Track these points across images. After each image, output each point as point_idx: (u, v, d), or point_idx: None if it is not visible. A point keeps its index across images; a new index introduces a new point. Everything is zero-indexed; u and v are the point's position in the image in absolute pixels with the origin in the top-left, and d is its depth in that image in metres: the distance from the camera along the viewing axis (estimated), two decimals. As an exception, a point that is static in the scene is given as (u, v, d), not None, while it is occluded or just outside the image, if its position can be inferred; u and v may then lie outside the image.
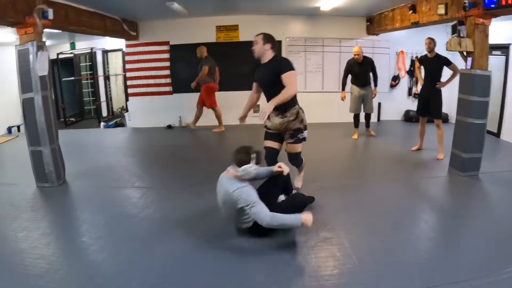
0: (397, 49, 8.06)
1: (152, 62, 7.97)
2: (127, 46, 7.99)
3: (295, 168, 4.03)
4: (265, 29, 7.65)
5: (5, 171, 5.45)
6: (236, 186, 2.91)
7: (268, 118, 3.45)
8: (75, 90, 10.33)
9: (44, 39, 4.66)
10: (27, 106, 4.52)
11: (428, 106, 5.37)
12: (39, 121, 4.49)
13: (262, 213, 2.78)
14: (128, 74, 8.20)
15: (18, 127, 8.97)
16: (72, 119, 10.19)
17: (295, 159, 3.75)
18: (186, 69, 7.92)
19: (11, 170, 5.43)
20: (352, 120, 6.79)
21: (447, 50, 4.46)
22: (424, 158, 5.41)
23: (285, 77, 3.34)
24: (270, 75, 3.46)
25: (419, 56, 6.23)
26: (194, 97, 7.62)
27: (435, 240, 3.06)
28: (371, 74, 6.50)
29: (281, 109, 3.44)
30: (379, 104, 8.10)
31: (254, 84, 3.82)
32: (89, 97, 10.42)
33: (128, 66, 8.18)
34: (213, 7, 6.79)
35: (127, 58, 8.12)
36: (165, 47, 7.92)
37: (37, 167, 4.57)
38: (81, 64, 10.26)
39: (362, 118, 6.77)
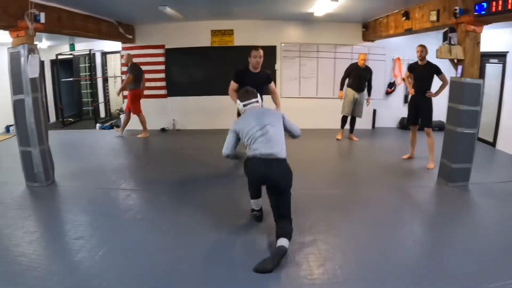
0: (393, 55, 8.06)
1: (148, 65, 7.97)
2: (123, 48, 8.03)
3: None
4: (260, 34, 7.85)
5: (-1, 169, 5.49)
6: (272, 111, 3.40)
7: None
8: (74, 91, 10.37)
9: (36, 42, 4.71)
10: (17, 107, 4.60)
11: (418, 114, 5.37)
12: (29, 122, 4.57)
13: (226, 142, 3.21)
14: (124, 77, 8.20)
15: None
16: (71, 119, 10.22)
17: None
18: (181, 73, 7.97)
19: (4, 169, 5.46)
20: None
21: (437, 57, 4.45)
22: (414, 167, 5.39)
23: (272, 85, 4.87)
24: (263, 82, 4.64)
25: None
26: (188, 100, 7.65)
27: (416, 252, 3.02)
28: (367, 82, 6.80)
29: None
30: (374, 111, 8.08)
31: (235, 85, 4.67)
32: (87, 98, 10.45)
33: (124, 68, 8.18)
34: (208, 11, 6.82)
35: (123, 60, 8.11)
36: (161, 51, 7.96)
37: (26, 167, 4.65)
38: (80, 65, 10.31)
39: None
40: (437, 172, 4.77)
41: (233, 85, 4.69)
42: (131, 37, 7.70)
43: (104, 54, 10.18)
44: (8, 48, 4.54)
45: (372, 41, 7.69)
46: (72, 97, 10.37)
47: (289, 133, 3.39)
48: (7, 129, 8.92)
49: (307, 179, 4.69)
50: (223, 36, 7.92)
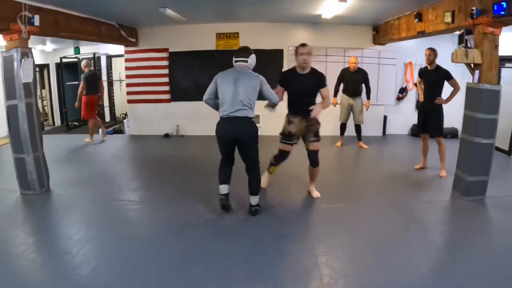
0: (405, 60, 7.74)
1: (151, 69, 7.83)
2: (126, 52, 7.88)
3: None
4: (266, 38, 7.61)
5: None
6: (253, 74, 3.60)
7: (291, 123, 3.99)
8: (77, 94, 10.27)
9: (40, 45, 4.60)
10: (11, 113, 4.46)
11: (428, 122, 5.07)
12: (22, 129, 4.43)
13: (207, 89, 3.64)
14: (127, 81, 8.08)
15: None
16: (76, 123, 10.12)
17: (317, 157, 4.06)
18: (185, 77, 7.79)
19: (1, 174, 5.33)
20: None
21: (452, 61, 4.14)
22: (426, 178, 5.06)
23: (325, 91, 3.95)
24: (311, 86, 3.91)
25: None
26: (192, 105, 7.44)
27: (426, 277, 2.71)
28: (363, 86, 6.61)
29: (305, 115, 3.86)
30: (385, 117, 7.77)
31: (280, 89, 4.04)
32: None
33: (127, 72, 8.05)
34: (213, 14, 6.61)
35: (126, 64, 8.00)
36: (164, 54, 7.78)
37: (20, 174, 4.53)
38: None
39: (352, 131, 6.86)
40: (452, 185, 4.45)
41: (278, 89, 3.98)
42: (134, 40, 7.53)
43: (109, 58, 10.08)
44: (1, 51, 4.41)
45: (383, 44, 7.38)
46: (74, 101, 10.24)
47: (268, 100, 3.71)
48: None
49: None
50: (229, 39, 7.71)
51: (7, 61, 4.35)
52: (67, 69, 9.94)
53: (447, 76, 4.79)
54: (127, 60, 7.97)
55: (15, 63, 4.30)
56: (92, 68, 7.45)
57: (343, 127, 6.86)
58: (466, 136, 4.20)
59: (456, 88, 4.76)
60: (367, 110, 6.69)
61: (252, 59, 3.67)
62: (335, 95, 6.67)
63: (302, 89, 3.87)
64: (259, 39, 7.56)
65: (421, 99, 5.20)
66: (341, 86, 6.66)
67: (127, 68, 8.02)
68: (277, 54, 7.72)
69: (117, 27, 6.68)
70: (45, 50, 9.05)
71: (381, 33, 6.99)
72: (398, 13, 5.76)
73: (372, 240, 3.25)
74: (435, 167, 5.22)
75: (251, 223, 3.58)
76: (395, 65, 7.64)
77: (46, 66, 10.31)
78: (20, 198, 4.38)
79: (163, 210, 3.99)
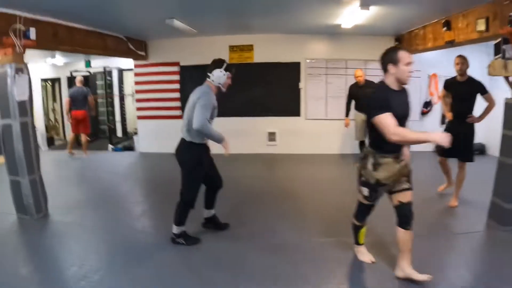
0: (429, 71, 7.20)
1: (162, 84, 7.56)
2: (136, 66, 7.64)
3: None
4: (282, 50, 7.20)
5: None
6: (203, 90, 3.21)
7: (378, 167, 2.64)
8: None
9: (49, 58, 4.36)
10: (6, 133, 4.19)
11: (456, 145, 4.17)
12: (17, 150, 4.16)
13: (202, 115, 3.06)
14: (137, 96, 7.83)
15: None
16: (87, 138, 9.93)
17: (410, 211, 2.69)
18: (196, 92, 7.44)
19: (3, 196, 5.04)
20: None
21: (489, 74, 3.69)
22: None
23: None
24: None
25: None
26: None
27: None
28: None
29: (397, 153, 2.68)
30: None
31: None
32: (104, 116, 10.15)
33: (137, 87, 7.81)
34: (225, 25, 6.28)
35: (136, 79, 7.75)
36: (175, 68, 7.49)
37: (16, 197, 4.29)
38: (97, 83, 10.06)
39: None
40: (487, 213, 3.86)
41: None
42: (143, 53, 7.27)
43: (120, 71, 9.89)
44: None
45: (406, 55, 6.85)
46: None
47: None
48: None
49: (318, 220, 4.00)
50: (242, 52, 7.37)
51: (0, 78, 4.10)
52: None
53: (482, 89, 4.07)
54: (136, 75, 7.73)
55: (8, 80, 4.04)
56: (82, 85, 7.53)
57: (362, 145, 6.33)
58: (504, 158, 3.66)
59: (491, 103, 4.09)
60: None
61: (215, 75, 3.23)
62: (346, 114, 6.29)
63: (406, 113, 2.70)
64: (274, 52, 7.22)
65: (448, 116, 4.38)
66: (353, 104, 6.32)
67: (136, 83, 7.77)
68: (294, 67, 7.34)
69: (125, 40, 6.42)
70: (56, 64, 8.92)
71: (404, 43, 6.49)
72: (423, 21, 5.28)
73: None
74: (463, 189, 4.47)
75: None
76: (419, 77, 7.10)
77: (58, 79, 10.21)
78: (16, 222, 4.14)
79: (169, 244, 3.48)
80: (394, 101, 2.55)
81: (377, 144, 2.64)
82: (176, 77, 7.54)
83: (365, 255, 3.09)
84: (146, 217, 4.37)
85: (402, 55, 2.57)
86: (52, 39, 4.61)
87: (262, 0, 4.50)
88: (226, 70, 3.24)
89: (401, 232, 2.65)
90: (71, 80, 9.65)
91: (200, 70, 7.10)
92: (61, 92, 10.14)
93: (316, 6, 4.73)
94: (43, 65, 9.28)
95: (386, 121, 2.42)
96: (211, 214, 3.74)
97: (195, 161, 3.27)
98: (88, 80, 9.55)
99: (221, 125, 3.44)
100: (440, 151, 4.38)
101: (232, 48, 7.37)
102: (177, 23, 5.18)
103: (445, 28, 4.67)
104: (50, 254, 3.37)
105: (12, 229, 4.01)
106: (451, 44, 4.74)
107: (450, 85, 4.32)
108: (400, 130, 2.40)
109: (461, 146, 4.04)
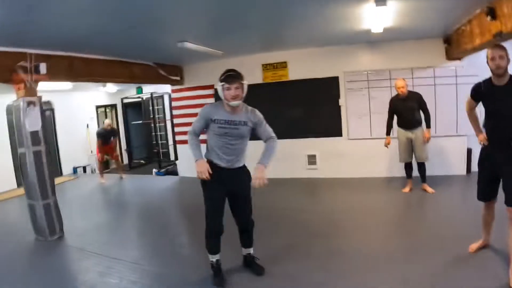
0: (488, 75, 6.04)
1: (198, 108, 7.43)
2: (173, 91, 7.77)
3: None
4: (318, 64, 6.69)
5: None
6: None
7: None
8: (144, 133, 10.54)
9: (100, 86, 4.51)
10: (22, 160, 4.47)
11: (497, 182, 2.98)
12: (31, 176, 4.43)
13: (192, 125, 3.03)
14: (176, 121, 7.90)
15: (84, 168, 9.39)
16: (142, 161, 10.37)
17: None
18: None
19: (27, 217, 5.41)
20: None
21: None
22: (494, 265, 2.98)
23: None
24: None
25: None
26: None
27: None
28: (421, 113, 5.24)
29: None
30: (469, 150, 6.09)
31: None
32: (156, 140, 10.48)
33: (174, 112, 7.91)
34: (253, 43, 5.98)
35: (174, 103, 7.88)
36: (210, 91, 7.38)
37: (33, 220, 4.60)
38: (149, 108, 10.48)
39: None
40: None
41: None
42: (178, 78, 7.33)
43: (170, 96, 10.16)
44: (13, 101, 4.45)
45: (459, 59, 5.84)
46: (142, 140, 10.54)
47: None
48: (74, 170, 9.34)
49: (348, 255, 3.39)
50: (276, 70, 7.02)
51: (16, 110, 4.39)
52: (132, 108, 10.30)
53: None
54: (174, 100, 7.86)
55: (21, 113, 4.28)
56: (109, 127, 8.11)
57: (408, 167, 5.44)
58: None
59: None
60: (427, 141, 5.17)
61: (218, 90, 2.90)
62: (388, 132, 5.40)
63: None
64: (309, 67, 6.75)
65: (482, 140, 3.09)
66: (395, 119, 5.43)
67: (174, 108, 7.88)
68: (331, 83, 6.75)
69: (154, 66, 6.49)
70: (108, 91, 9.50)
71: (453, 44, 5.52)
72: (465, 13, 4.35)
73: None
74: (499, 246, 3.17)
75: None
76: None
77: (114, 105, 10.85)
78: (33, 243, 4.43)
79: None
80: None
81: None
82: (212, 100, 7.44)
83: None
84: (164, 255, 3.89)
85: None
86: (68, 72, 4.78)
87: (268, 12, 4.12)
88: (221, 81, 2.89)
89: None
90: (126, 106, 10.22)
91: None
92: (118, 117, 10.75)
93: (333, 7, 4.10)
94: (98, 93, 9.92)
95: None
96: (244, 253, 3.30)
97: (202, 182, 2.94)
98: (141, 106, 9.99)
99: (257, 148, 3.04)
100: (478, 193, 3.16)
101: (265, 67, 7.07)
102: (189, 45, 5.04)
103: (489, 17, 3.74)
104: (50, 278, 3.41)
105: (27, 249, 4.27)
106: (500, 36, 3.78)
107: (481, 92, 3.06)
108: None
109: (505, 181, 2.85)
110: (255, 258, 3.27)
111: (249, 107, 3.01)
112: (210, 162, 2.92)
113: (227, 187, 2.98)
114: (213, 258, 3.10)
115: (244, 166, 3.08)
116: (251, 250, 3.26)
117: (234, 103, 2.83)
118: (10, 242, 4.47)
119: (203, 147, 2.99)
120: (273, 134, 3.10)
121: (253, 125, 2.97)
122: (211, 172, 2.82)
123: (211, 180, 2.83)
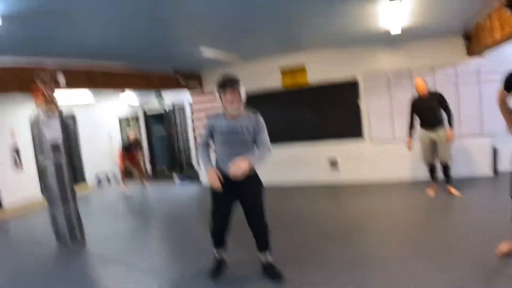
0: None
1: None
2: (193, 99, 7.80)
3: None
4: (337, 66, 6.58)
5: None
6: None
7: None
8: (167, 144, 10.65)
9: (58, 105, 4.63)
10: (43, 171, 4.62)
11: None
12: (52, 186, 4.58)
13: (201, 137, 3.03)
14: (196, 128, 7.94)
15: (108, 178, 9.61)
16: (165, 171, 10.48)
17: None
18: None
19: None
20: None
21: None
22: None
23: None
24: None
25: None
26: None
27: None
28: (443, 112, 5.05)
29: None
30: (495, 150, 5.77)
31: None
32: (179, 152, 10.56)
33: (195, 121, 7.93)
34: (270, 46, 6.01)
35: (195, 113, 7.91)
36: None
37: (54, 228, 4.75)
38: (171, 119, 10.59)
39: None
40: None
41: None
42: (198, 86, 7.37)
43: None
44: (31, 111, 4.61)
45: (481, 54, 5.58)
46: (165, 150, 10.64)
47: None
48: (98, 180, 9.61)
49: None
50: (294, 73, 6.95)
51: (35, 122, 4.53)
52: (155, 120, 10.44)
53: None
54: (194, 111, 7.93)
55: (40, 124, 4.41)
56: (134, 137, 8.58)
57: (431, 169, 5.24)
58: None
59: None
60: (449, 141, 4.95)
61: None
62: (410, 134, 5.23)
63: None
64: (328, 69, 6.69)
65: None
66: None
67: (194, 115, 7.91)
68: (351, 84, 6.61)
69: (172, 74, 6.57)
70: (130, 104, 9.69)
71: (474, 40, 5.28)
72: (484, 5, 4.15)
73: None
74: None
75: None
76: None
77: (137, 118, 11.05)
78: (55, 249, 4.57)
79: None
80: None
81: None
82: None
83: None
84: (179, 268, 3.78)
85: None
86: (86, 80, 4.92)
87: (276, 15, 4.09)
88: (217, 89, 2.88)
89: None
90: (148, 118, 10.39)
91: (254, 98, 7.03)
92: (140, 129, 10.95)
93: (343, 6, 3.98)
94: (121, 106, 10.15)
95: None
96: (262, 259, 3.19)
97: (211, 189, 2.99)
98: (163, 118, 10.12)
99: (276, 153, 3.01)
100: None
101: (284, 70, 7.01)
102: (208, 51, 5.10)
103: (509, 10, 3.55)
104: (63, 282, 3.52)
105: (49, 256, 4.40)
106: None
107: None
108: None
109: None
110: (273, 266, 3.14)
111: (253, 112, 2.96)
112: (220, 170, 2.90)
113: (236, 195, 2.97)
114: (215, 253, 3.22)
115: (254, 173, 2.99)
116: (268, 255, 3.16)
117: (233, 110, 2.81)
118: (33, 249, 4.64)
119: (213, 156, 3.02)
120: (269, 146, 2.94)
121: (253, 130, 2.90)
122: (222, 180, 2.82)
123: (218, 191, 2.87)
